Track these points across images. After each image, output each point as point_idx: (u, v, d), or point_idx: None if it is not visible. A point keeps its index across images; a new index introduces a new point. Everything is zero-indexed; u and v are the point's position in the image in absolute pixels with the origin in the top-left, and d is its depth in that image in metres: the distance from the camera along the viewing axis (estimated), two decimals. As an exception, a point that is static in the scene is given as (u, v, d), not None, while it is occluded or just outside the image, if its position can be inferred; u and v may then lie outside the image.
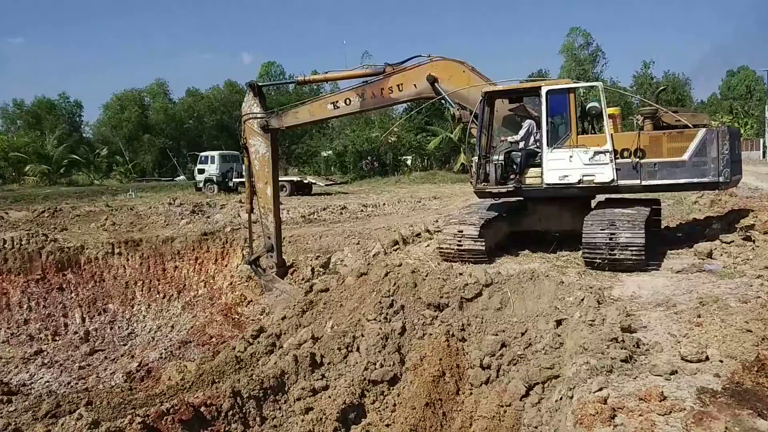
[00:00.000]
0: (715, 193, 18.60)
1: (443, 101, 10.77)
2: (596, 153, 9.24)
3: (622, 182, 9.29)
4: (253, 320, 13.28)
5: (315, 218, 21.36)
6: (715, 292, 6.99)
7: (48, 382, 11.73)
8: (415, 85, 10.80)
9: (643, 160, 9.17)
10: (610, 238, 8.71)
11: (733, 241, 9.51)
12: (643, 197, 10.84)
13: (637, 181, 9.27)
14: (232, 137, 59.92)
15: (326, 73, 12.16)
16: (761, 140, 49.29)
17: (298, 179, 32.44)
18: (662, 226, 12.16)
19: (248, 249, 13.55)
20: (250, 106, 12.41)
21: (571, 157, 9.31)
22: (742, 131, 53.17)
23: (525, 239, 10.90)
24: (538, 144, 9.79)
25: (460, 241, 9.46)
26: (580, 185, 9.40)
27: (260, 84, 12.70)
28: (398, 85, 10.88)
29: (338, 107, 11.43)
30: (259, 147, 12.47)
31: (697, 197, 18.85)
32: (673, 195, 18.38)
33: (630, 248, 8.60)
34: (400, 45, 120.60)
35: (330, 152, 48.53)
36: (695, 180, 9.21)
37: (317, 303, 7.91)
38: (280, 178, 33.88)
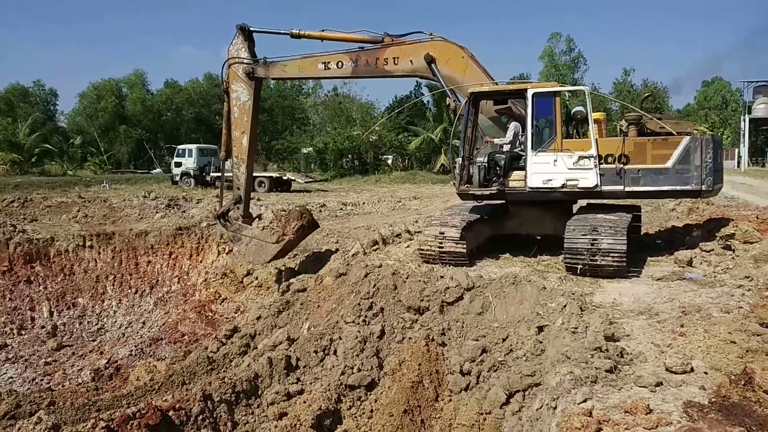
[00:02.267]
0: (692, 200, 18.87)
1: (438, 84, 10.65)
2: (581, 158, 9.16)
3: (605, 188, 9.22)
4: (227, 318, 12.99)
5: (293, 216, 21.07)
6: (697, 302, 6.94)
7: (11, 378, 11.30)
8: (411, 60, 10.55)
9: (627, 166, 9.12)
10: (592, 244, 8.63)
11: (713, 250, 9.52)
12: (624, 203, 10.84)
13: (621, 187, 9.22)
14: (210, 131, 59.17)
15: (323, 30, 11.41)
16: (736, 150, 50.25)
17: (278, 175, 32.02)
18: (642, 233, 12.17)
19: (218, 201, 13.39)
20: (238, 50, 11.80)
21: (555, 161, 9.23)
22: (718, 141, 53.82)
23: (506, 242, 10.81)
24: (522, 147, 9.69)
25: (441, 243, 9.31)
26: (564, 189, 9.31)
27: (252, 29, 11.93)
28: (394, 58, 10.60)
29: (329, 68, 11.05)
30: (241, 94, 11.92)
31: (675, 205, 19.02)
32: (652, 201, 18.54)
33: (612, 254, 8.54)
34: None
35: (310, 149, 48.14)
36: (678, 187, 9.22)
37: (294, 303, 7.69)
38: (259, 174, 33.72)
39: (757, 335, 5.31)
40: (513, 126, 10.04)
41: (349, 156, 45.21)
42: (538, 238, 10.78)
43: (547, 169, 9.26)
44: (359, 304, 6.70)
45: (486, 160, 9.90)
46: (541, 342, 6.05)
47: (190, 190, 28.75)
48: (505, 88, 10.21)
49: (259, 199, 24.06)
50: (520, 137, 9.96)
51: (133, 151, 58.31)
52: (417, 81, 51.85)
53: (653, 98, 49.74)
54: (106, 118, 57.18)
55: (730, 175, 38.13)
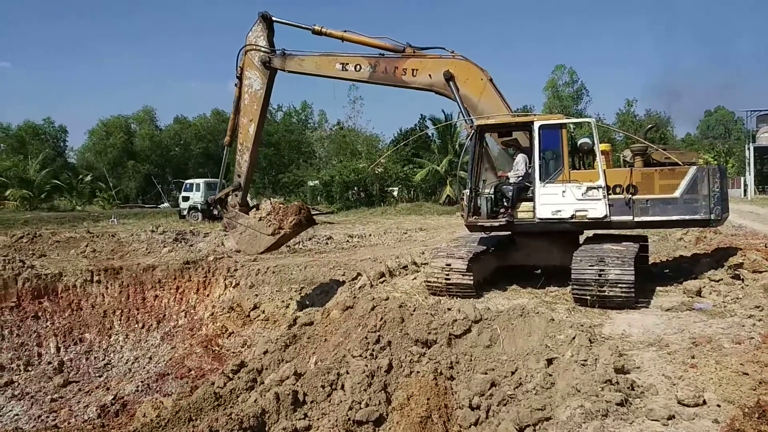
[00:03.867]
0: (700, 230, 18.79)
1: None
2: (589, 188, 9.25)
3: (614, 218, 9.28)
4: (233, 353, 12.92)
5: (300, 248, 21.11)
6: (708, 332, 6.87)
7: (17, 415, 11.25)
8: (430, 75, 10.60)
9: (635, 197, 9.20)
10: (600, 275, 8.60)
11: (721, 280, 9.46)
12: (630, 233, 10.83)
13: (630, 217, 9.27)
14: (218, 165, 59.52)
15: (345, 31, 11.38)
16: (742, 178, 50.19)
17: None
18: (649, 263, 12.12)
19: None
20: (257, 37, 11.73)
21: (564, 192, 9.31)
22: (723, 169, 53.89)
23: (513, 274, 10.79)
24: (529, 178, 9.75)
25: (448, 274, 9.32)
26: (573, 220, 9.37)
27: (273, 18, 11.86)
28: (413, 70, 10.63)
29: (346, 70, 11.00)
30: (253, 82, 11.85)
31: (682, 234, 18.94)
32: (659, 231, 18.48)
33: (619, 285, 8.50)
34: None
35: (316, 182, 48.46)
36: (687, 217, 9.28)
37: (301, 337, 7.65)
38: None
39: (770, 366, 5.25)
40: (521, 158, 10.10)
41: (355, 188, 45.46)
42: (542, 269, 10.75)
43: (555, 200, 9.33)
44: (366, 337, 6.66)
45: (493, 191, 9.96)
46: (550, 375, 5.98)
47: (198, 224, 28.93)
48: (512, 120, 10.29)
49: (265, 232, 24.16)
50: (526, 168, 10.04)
51: (141, 185, 58.94)
52: (421, 114, 52.56)
53: (656, 128, 50.04)
54: (114, 154, 58.02)
55: (736, 203, 38.04)
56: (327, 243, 22.22)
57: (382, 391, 6.00)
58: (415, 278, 11.80)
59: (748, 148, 48.52)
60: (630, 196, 9.19)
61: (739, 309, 8.02)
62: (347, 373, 6.25)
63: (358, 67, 10.89)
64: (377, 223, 30.69)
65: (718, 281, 9.49)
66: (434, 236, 23.54)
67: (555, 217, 9.35)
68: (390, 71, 10.74)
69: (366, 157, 45.49)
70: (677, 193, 9.18)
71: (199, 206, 32.10)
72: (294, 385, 6.24)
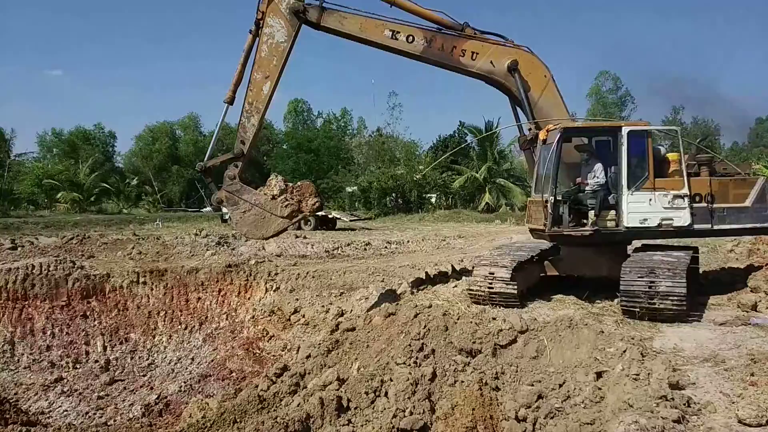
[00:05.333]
0: (753, 242, 18.11)
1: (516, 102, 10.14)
2: (675, 197, 9.35)
3: (696, 226, 9.47)
4: (274, 356, 13.04)
5: (339, 253, 21.22)
6: (766, 348, 6.58)
7: (66, 411, 11.57)
8: (492, 62, 9.85)
9: (713, 205, 9.53)
10: (650, 287, 8.36)
11: (779, 294, 9.06)
12: (680, 244, 10.53)
13: (709, 226, 9.57)
14: (258, 170, 60.70)
15: None
16: (795, 189, 48.09)
17: (323, 214, 32.45)
18: (700, 274, 11.71)
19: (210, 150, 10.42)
20: None
21: (650, 200, 9.35)
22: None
23: (557, 284, 10.58)
24: (608, 185, 9.73)
25: (491, 283, 9.20)
26: (660, 229, 9.42)
27: None
28: (473, 53, 9.76)
29: (396, 38, 9.64)
30: (276, 32, 9.73)
31: (733, 246, 18.28)
32: (707, 243, 17.88)
33: (671, 297, 8.24)
34: (422, 88, 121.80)
35: (355, 188, 48.73)
36: (759, 225, 9.81)
37: (343, 342, 7.65)
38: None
39: (838, 387, 4.98)
40: (599, 165, 9.88)
41: (393, 194, 45.50)
42: (588, 279, 10.50)
43: (642, 209, 9.33)
44: (410, 344, 6.61)
45: (569, 199, 9.68)
46: (600, 389, 5.82)
47: (239, 228, 29.43)
48: (599, 125, 10.26)
49: (305, 237, 24.42)
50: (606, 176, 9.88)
51: (184, 190, 60.34)
52: (460, 121, 52.34)
53: (705, 138, 48.61)
54: (160, 159, 59.61)
55: (791, 214, 36.54)
56: (365, 249, 22.27)
57: (427, 400, 5.94)
58: (455, 286, 11.68)
59: (803, 157, 46.49)
60: (709, 204, 9.49)
61: (799, 325, 7.66)
62: (391, 380, 6.20)
63: (411, 38, 9.60)
64: (415, 229, 30.65)
65: (775, 295, 9.10)
66: (473, 244, 23.34)
67: (642, 225, 9.36)
68: (447, 49, 9.70)
69: (404, 164, 45.52)
70: (748, 202, 9.67)
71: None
72: (338, 390, 6.24)
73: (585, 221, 9.57)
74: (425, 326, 6.87)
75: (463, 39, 9.79)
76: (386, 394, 6.10)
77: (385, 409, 5.92)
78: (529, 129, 9.89)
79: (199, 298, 15.96)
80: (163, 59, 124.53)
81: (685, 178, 9.34)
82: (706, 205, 9.55)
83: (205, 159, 9.99)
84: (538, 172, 9.88)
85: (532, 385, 6.09)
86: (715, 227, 9.63)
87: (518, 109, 10.52)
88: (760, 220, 9.67)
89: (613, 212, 9.42)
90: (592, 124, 10.07)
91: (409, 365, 6.37)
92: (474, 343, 6.57)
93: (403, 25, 9.82)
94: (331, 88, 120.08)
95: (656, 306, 8.29)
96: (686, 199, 9.31)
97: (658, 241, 10.27)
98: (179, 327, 15.30)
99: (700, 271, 11.97)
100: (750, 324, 7.99)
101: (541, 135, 9.74)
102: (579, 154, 10.02)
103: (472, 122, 53.25)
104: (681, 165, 9.45)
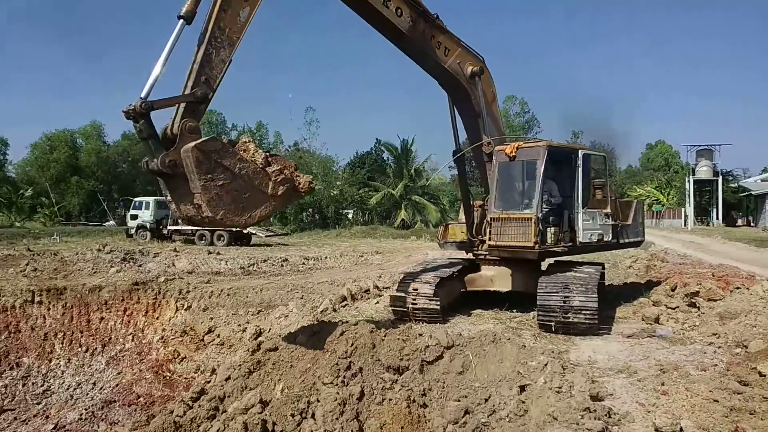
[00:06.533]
0: (649, 258, 19.48)
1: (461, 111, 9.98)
2: (605, 215, 10.57)
3: (612, 241, 10.81)
4: (186, 378, 12.36)
5: (255, 270, 20.66)
6: (672, 359, 7.01)
7: (-58, 449, 10.35)
8: (459, 63, 9.43)
9: (618, 223, 10.96)
10: (564, 301, 8.72)
11: (678, 307, 9.75)
12: (587, 260, 11.14)
13: (617, 240, 10.96)
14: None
15: None
16: (683, 210, 52.57)
17: (237, 229, 31.49)
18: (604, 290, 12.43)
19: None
20: None
21: (593, 218, 10.27)
22: (665, 201, 56.67)
23: (476, 298, 10.80)
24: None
25: (414, 299, 9.24)
26: (599, 243, 10.45)
27: None
28: (446, 48, 9.23)
29: (387, 6, 8.31)
30: None
31: (632, 262, 19.59)
32: (608, 259, 19.04)
33: (584, 312, 8.63)
34: (339, 105, 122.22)
35: (270, 203, 47.77)
36: (636, 239, 11.93)
37: (265, 363, 7.33)
38: (218, 228, 32.87)
39: (738, 393, 5.37)
40: (555, 185, 10.42)
41: (310, 210, 45.08)
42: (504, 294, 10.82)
43: (588, 226, 10.14)
44: (337, 363, 6.45)
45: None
46: (524, 402, 5.93)
47: (146, 243, 28.00)
48: (567, 146, 10.97)
49: (219, 253, 23.56)
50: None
51: (85, 202, 56.57)
52: (377, 139, 52.97)
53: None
54: (58, 169, 55.50)
55: (678, 233, 39.83)
56: (283, 265, 21.85)
57: (355, 420, 5.80)
58: (377, 302, 11.67)
59: (689, 181, 51.01)
60: (617, 222, 10.88)
61: (697, 336, 8.26)
62: (318, 401, 6.02)
63: (400, 11, 8.51)
64: (332, 245, 30.45)
65: (674, 309, 9.78)
66: (390, 260, 23.50)
67: (588, 241, 10.12)
68: (428, 37, 8.93)
69: (321, 179, 45.27)
70: (630, 220, 11.41)
71: (148, 225, 31.12)
72: (261, 413, 5.96)
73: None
74: (352, 344, 6.74)
75: (438, 30, 9.16)
76: (313, 415, 5.90)
77: (312, 431, 5.72)
78: (488, 143, 9.96)
79: (102, 318, 14.91)
80: (63, 63, 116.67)
81: (609, 198, 10.63)
82: (615, 222, 10.76)
83: (146, 93, 6.18)
84: (500, 188, 9.88)
85: (459, 400, 6.11)
86: (620, 242, 11.14)
87: (458, 119, 10.39)
88: (637, 235, 11.86)
89: (568, 229, 10.01)
90: (567, 146, 10.82)
91: (337, 385, 6.21)
92: (401, 360, 6.52)
93: None
94: (245, 100, 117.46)
95: (570, 320, 8.65)
96: (610, 218, 10.57)
97: (572, 259, 10.88)
98: (79, 350, 14.19)
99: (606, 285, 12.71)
100: (655, 336, 8.51)
101: (509, 151, 9.76)
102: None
103: (388, 139, 53.93)
104: (607, 187, 10.86)
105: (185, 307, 14.99)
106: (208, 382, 8.86)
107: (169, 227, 30.77)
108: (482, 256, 10.28)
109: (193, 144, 6.25)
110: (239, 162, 6.59)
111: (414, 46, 8.86)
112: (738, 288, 9.89)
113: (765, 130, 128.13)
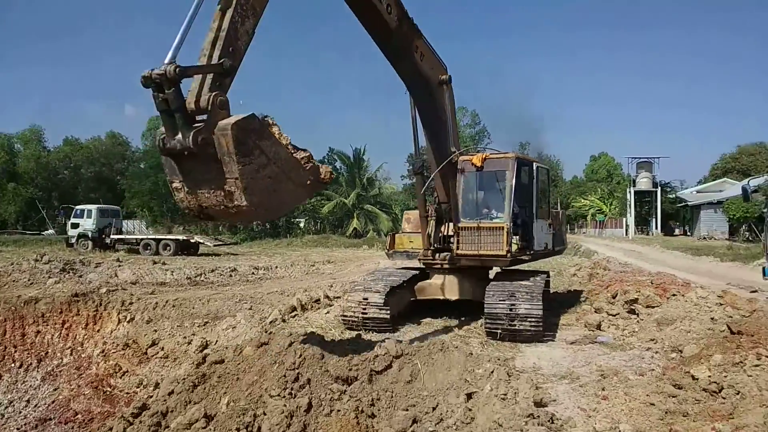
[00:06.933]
0: (591, 266, 20.10)
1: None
2: (549, 225, 11.20)
3: (549, 249, 11.45)
4: (128, 394, 11.91)
5: (202, 280, 20.20)
6: (612, 365, 7.25)
7: None
8: (432, 69, 9.21)
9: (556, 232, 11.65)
10: (511, 309, 8.89)
11: (618, 314, 10.09)
12: (533, 270, 11.41)
13: (552, 248, 11.51)
14: (111, 190, 56.22)
15: None
16: (624, 219, 54.60)
17: (184, 238, 30.73)
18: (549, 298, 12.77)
19: None
20: None
21: (542, 227, 10.76)
22: (607, 211, 58.70)
23: (425, 307, 10.89)
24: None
25: (365, 308, 9.24)
26: (544, 251, 11.04)
27: None
28: (422, 54, 8.94)
29: (381, 2, 7.79)
30: None
31: (576, 270, 20.19)
32: (553, 267, 19.56)
33: (529, 319, 8.82)
34: (298, 112, 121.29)
35: (219, 211, 46.80)
36: (561, 247, 12.80)
37: (210, 376, 7.15)
38: (164, 236, 32.06)
39: (673, 396, 5.59)
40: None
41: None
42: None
43: (539, 235, 10.62)
44: (284, 375, 6.36)
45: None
46: (470, 410, 6.00)
47: (88, 253, 26.94)
48: (528, 158, 11.14)
49: (164, 263, 22.92)
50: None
51: (22, 210, 54.00)
52: (330, 147, 52.82)
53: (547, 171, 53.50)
54: (-7, 175, 52.90)
55: (620, 242, 41.31)
56: (231, 275, 21.45)
57: (302, 432, 5.73)
58: (328, 312, 11.59)
59: (629, 192, 53.05)
60: (555, 231, 11.53)
61: (636, 342, 8.58)
62: (264, 413, 5.91)
63: (389, 8, 8.00)
64: (283, 254, 30.12)
65: (615, 315, 10.12)
66: (342, 269, 23.43)
67: (539, 249, 10.64)
68: (409, 38, 8.55)
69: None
70: (555, 230, 11.95)
71: (89, 234, 30.00)
72: (205, 428, 5.81)
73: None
74: (301, 355, 6.66)
75: (417, 33, 8.81)
76: (259, 429, 5.79)
77: (258, 445, 5.61)
78: (453, 151, 9.91)
79: (38, 332, 14.23)
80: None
81: (550, 209, 11.30)
82: (554, 231, 11.44)
83: (172, 55, 5.22)
84: (466, 198, 10.35)
85: (407, 409, 6.12)
86: (556, 249, 11.94)
87: (420, 128, 9.98)
88: (562, 243, 12.83)
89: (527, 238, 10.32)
90: (525, 157, 10.99)
91: (284, 397, 6.11)
92: (350, 370, 6.48)
93: None
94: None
95: (516, 327, 8.83)
96: (551, 227, 11.20)
97: (519, 268, 11.12)
98: (12, 365, 13.50)
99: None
100: (597, 342, 8.78)
101: (476, 161, 10.09)
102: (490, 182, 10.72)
103: (341, 148, 53.93)
104: (549, 198, 11.53)
105: (128, 319, 14.46)
106: (151, 396, 8.59)
107: (112, 236, 29.78)
108: (439, 266, 10.30)
109: (233, 121, 5.35)
110: (274, 145, 5.80)
111: (397, 47, 8.51)
112: (674, 295, 10.33)
113: (700, 144, 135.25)
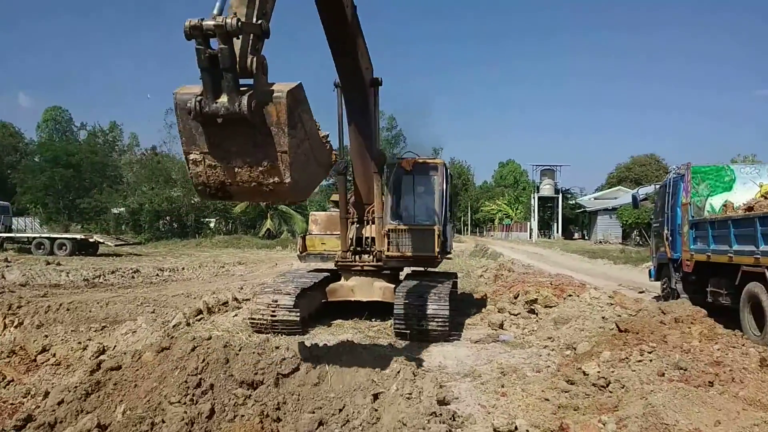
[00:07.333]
0: (497, 267, 20.94)
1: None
2: (453, 227, 11.16)
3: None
4: (12, 405, 11.00)
5: (101, 282, 19.08)
6: (512, 362, 7.59)
7: None
8: (367, 67, 8.76)
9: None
10: (419, 310, 9.08)
11: (519, 314, 10.58)
12: (442, 272, 11.75)
13: (449, 250, 11.74)
14: (1, 186, 51.87)
15: None
16: (528, 223, 57.37)
17: (82, 237, 28.89)
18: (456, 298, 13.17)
19: None
20: None
21: (450, 230, 11.27)
22: (513, 215, 61.39)
23: (336, 309, 10.89)
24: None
25: (274, 311, 9.11)
26: (448, 253, 11.43)
27: None
28: (361, 52, 8.44)
29: None
30: None
31: (483, 271, 20.96)
32: (462, 269, 20.22)
33: (436, 319, 9.05)
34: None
35: (122, 209, 44.43)
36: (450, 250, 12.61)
37: (106, 383, 6.75)
38: (59, 235, 30.07)
39: (566, 392, 5.94)
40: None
41: (167, 218, 42.63)
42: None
43: (449, 237, 11.08)
44: (186, 381, 6.12)
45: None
46: (376, 410, 6.06)
47: (-30, 252, 24.72)
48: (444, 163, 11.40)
49: (59, 264, 21.46)
50: None
51: None
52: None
53: (459, 176, 55.43)
54: None
55: (524, 245, 43.39)
56: (133, 277, 20.44)
57: (204, 439, 5.54)
58: (236, 315, 11.30)
59: (534, 197, 55.82)
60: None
61: (535, 340, 9.03)
62: (163, 421, 5.66)
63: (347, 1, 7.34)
64: (191, 255, 29.10)
65: (516, 315, 10.61)
66: (254, 270, 22.96)
67: (447, 251, 10.99)
68: (355, 31, 8.06)
69: (181, 186, 42.98)
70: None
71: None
72: (97, 439, 5.48)
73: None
74: (204, 360, 6.44)
75: (360, 30, 8.29)
76: (158, 437, 5.54)
77: (156, 454, 5.37)
78: (417, 156, 10.61)
79: None
80: None
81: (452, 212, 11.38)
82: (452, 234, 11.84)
83: (221, 4, 4.60)
84: (396, 201, 10.54)
85: (314, 412, 6.08)
86: (450, 252, 12.14)
87: (347, 125, 9.52)
88: (451, 246, 12.71)
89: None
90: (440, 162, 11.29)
91: (185, 403, 5.89)
92: (256, 374, 6.35)
93: None
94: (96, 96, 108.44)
95: (424, 327, 9.04)
96: (453, 230, 11.36)
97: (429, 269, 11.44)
98: None
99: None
100: (499, 341, 9.16)
101: (405, 165, 10.48)
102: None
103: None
104: (455, 199, 11.69)
105: (15, 324, 13.35)
106: (38, 407, 7.98)
107: (1, 234, 27.49)
108: (360, 268, 10.43)
109: (288, 88, 4.83)
110: (311, 120, 5.29)
111: (346, 40, 7.96)
112: (570, 295, 11.00)
113: (597, 154, 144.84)
